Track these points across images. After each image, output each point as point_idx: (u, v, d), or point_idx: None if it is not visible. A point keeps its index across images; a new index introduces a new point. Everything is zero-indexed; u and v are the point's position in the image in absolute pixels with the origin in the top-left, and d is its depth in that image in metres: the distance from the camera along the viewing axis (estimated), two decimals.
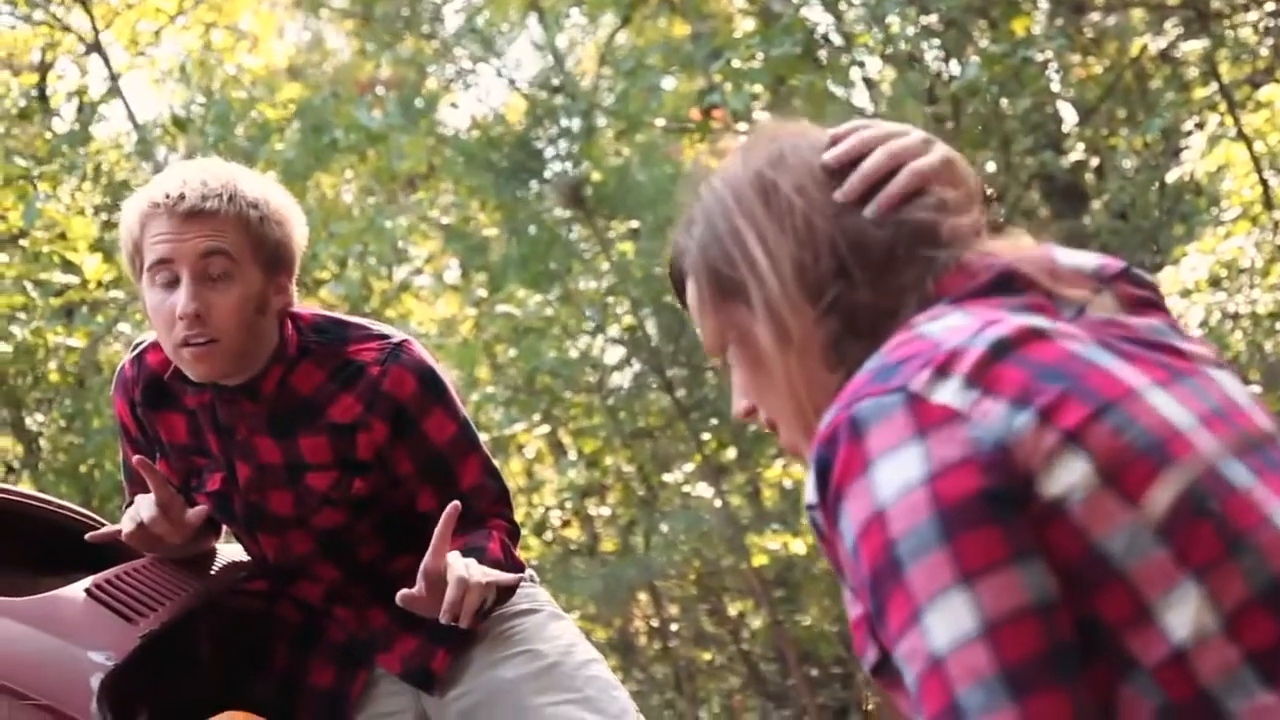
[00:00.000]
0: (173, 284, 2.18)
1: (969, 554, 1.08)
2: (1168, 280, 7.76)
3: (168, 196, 2.16)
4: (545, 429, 12.24)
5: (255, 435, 2.30)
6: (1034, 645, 1.06)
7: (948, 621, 1.07)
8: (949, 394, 1.13)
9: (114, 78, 10.06)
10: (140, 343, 2.40)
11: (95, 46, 9.79)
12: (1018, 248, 1.30)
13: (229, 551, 2.54)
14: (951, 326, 1.20)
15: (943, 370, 1.15)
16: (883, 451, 1.12)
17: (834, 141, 1.35)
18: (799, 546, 10.85)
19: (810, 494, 1.18)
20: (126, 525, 2.31)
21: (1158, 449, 1.13)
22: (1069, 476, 1.11)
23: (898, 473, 1.11)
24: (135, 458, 2.27)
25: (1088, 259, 1.33)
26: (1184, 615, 1.09)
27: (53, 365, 8.16)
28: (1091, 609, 1.10)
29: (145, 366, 2.37)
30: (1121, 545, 1.10)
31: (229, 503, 2.36)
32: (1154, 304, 1.32)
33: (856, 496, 1.13)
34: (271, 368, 2.27)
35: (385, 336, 2.31)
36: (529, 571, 2.49)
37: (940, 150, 1.36)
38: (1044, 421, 1.12)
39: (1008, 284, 1.25)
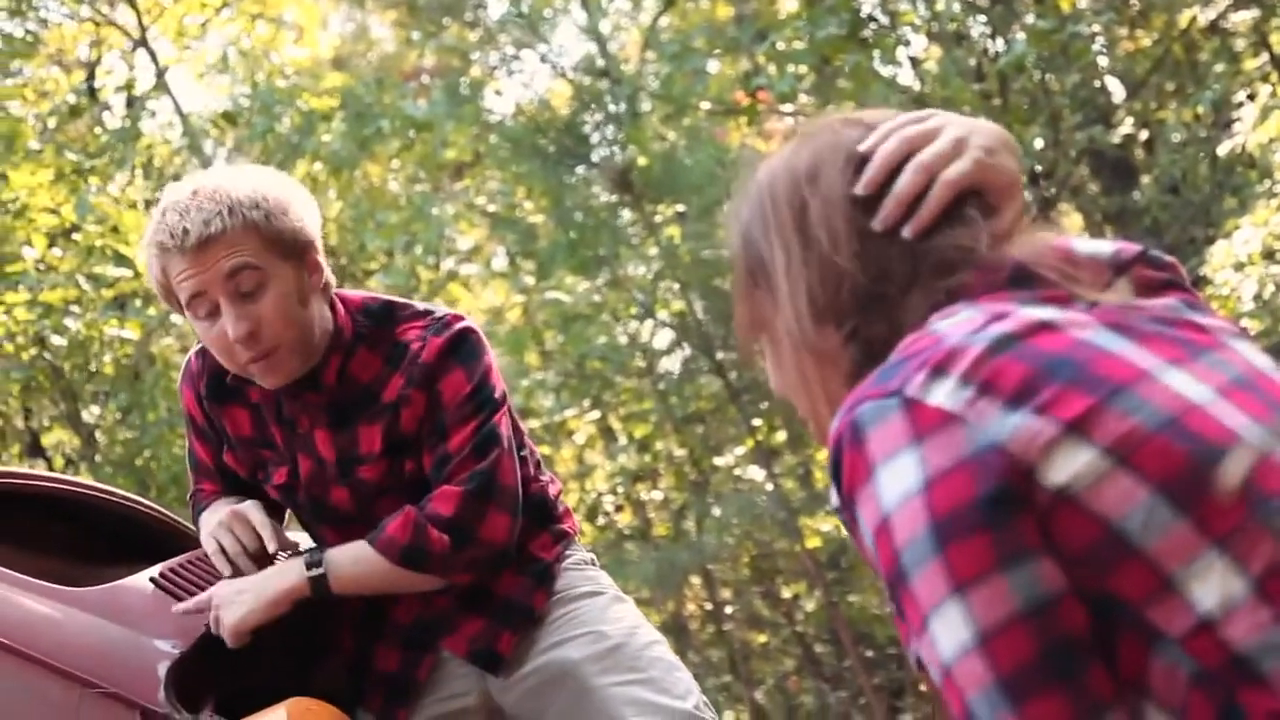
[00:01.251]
0: (214, 312, 2.20)
1: (959, 565, 1.12)
2: (1220, 254, 7.68)
3: (173, 237, 2.16)
4: (595, 415, 12.25)
5: (316, 429, 2.32)
6: (1025, 651, 1.10)
7: (949, 632, 1.13)
8: (943, 395, 1.15)
9: (161, 72, 10.13)
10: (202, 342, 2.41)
11: (142, 41, 9.86)
12: (1034, 242, 1.32)
13: (291, 538, 2.56)
14: (959, 321, 1.22)
15: (939, 369, 1.17)
16: (883, 458, 1.16)
17: (864, 159, 1.35)
18: None
19: (833, 495, 1.22)
20: (222, 565, 2.33)
21: (1172, 424, 1.13)
22: (1072, 464, 1.12)
23: (897, 481, 1.15)
24: None
25: (1104, 246, 1.35)
26: (1209, 585, 1.10)
27: (107, 358, 8.24)
28: (1108, 588, 1.12)
29: (209, 361, 2.39)
30: (1139, 522, 1.11)
31: (295, 495, 2.38)
32: (1173, 284, 1.32)
33: (865, 502, 1.17)
34: (331, 356, 2.28)
35: (430, 313, 2.32)
36: (588, 555, 2.49)
37: (973, 148, 1.36)
38: (1041, 416, 1.13)
39: (1023, 279, 1.27)
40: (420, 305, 2.35)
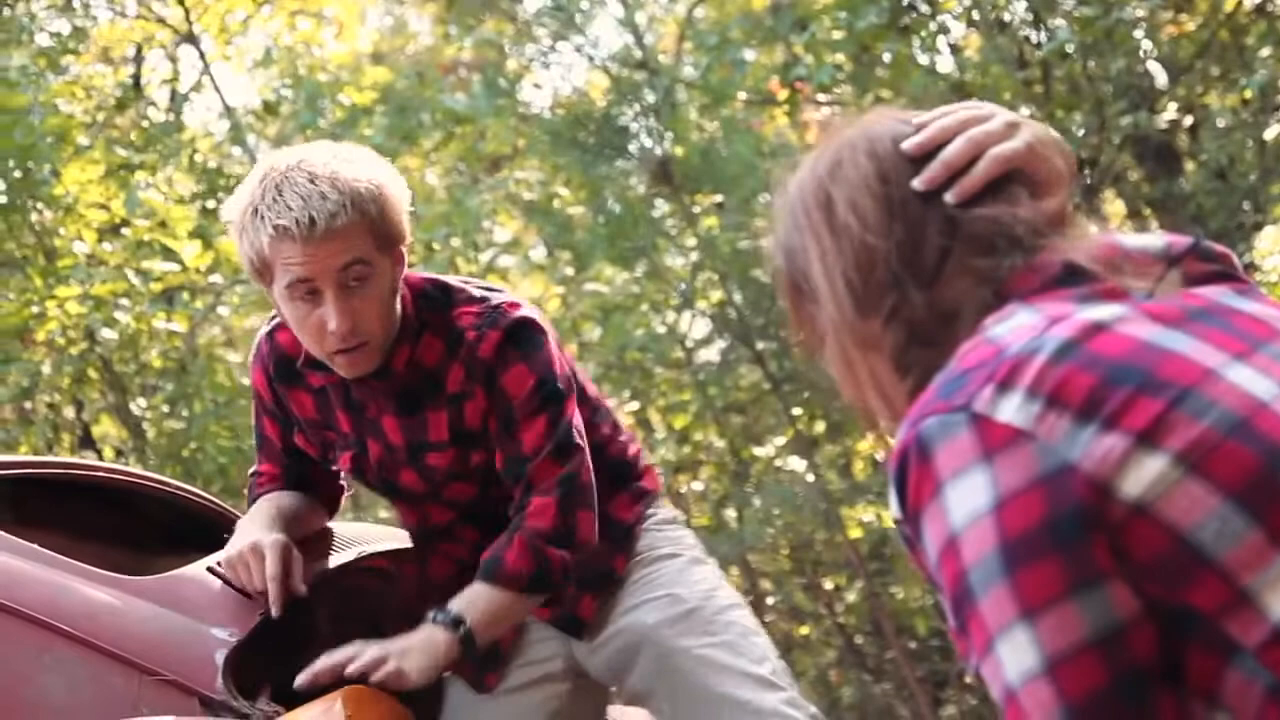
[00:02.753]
0: (313, 295, 2.19)
1: (1029, 590, 1.11)
2: (1269, 240, 7.61)
3: (298, 225, 2.13)
4: (634, 406, 12.26)
5: (384, 415, 2.33)
6: (1093, 680, 1.10)
7: (1015, 656, 1.12)
8: (1012, 411, 1.14)
9: (206, 67, 10.20)
10: (273, 316, 2.41)
11: (188, 37, 9.92)
12: (1084, 237, 1.31)
13: (345, 530, 2.58)
14: (1018, 326, 1.20)
15: (1006, 384, 1.15)
16: (952, 475, 1.15)
17: (917, 129, 1.35)
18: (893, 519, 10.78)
19: (894, 509, 1.21)
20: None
21: (1241, 428, 1.12)
22: (1145, 475, 1.11)
23: (966, 499, 1.14)
24: None
25: (1155, 240, 1.34)
26: None
27: (155, 351, 8.31)
28: (1182, 599, 1.11)
29: (276, 344, 2.41)
30: (1212, 533, 1.10)
31: (364, 476, 2.40)
32: (1226, 275, 1.31)
33: (932, 519, 1.16)
34: (401, 345, 2.28)
35: (485, 299, 2.30)
36: (671, 514, 2.48)
37: (1025, 134, 1.35)
38: (1111, 429, 1.12)
39: (1075, 274, 1.25)
40: (474, 288, 2.34)
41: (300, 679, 2.18)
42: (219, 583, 2.34)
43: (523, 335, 2.27)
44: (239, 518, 2.73)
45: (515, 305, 2.31)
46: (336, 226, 2.14)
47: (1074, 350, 1.16)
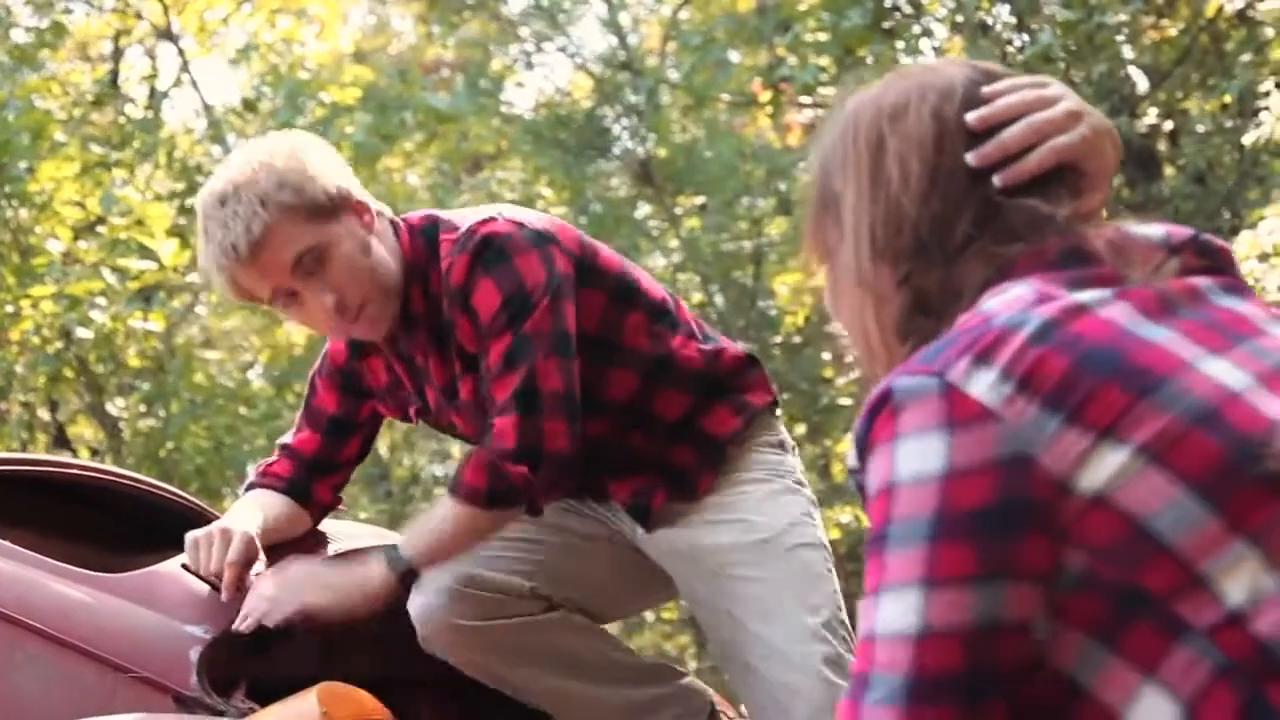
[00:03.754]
0: (293, 296, 2.23)
1: (941, 563, 1.14)
2: (1245, 244, 7.64)
3: (225, 255, 2.17)
4: None
5: (430, 359, 2.32)
6: (949, 665, 1.13)
7: (896, 611, 1.15)
8: (983, 388, 1.15)
9: (185, 64, 10.17)
10: None
11: (166, 33, 9.89)
12: (1098, 226, 1.31)
13: (325, 527, 2.57)
14: (1009, 299, 1.21)
15: (983, 358, 1.16)
16: (911, 431, 1.16)
17: (986, 99, 1.33)
18: None
19: (851, 457, 1.23)
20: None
21: (1209, 418, 1.13)
22: (1106, 468, 1.12)
23: (918, 457, 1.16)
24: None
25: (1156, 229, 1.34)
26: (1239, 579, 1.10)
27: (132, 350, 8.28)
28: (1134, 580, 1.12)
29: None
30: (1169, 521, 1.11)
31: (439, 423, 2.42)
32: (1220, 269, 1.31)
33: (878, 460, 1.18)
34: (411, 287, 2.28)
35: (464, 226, 2.26)
36: (779, 436, 2.40)
37: (1084, 126, 1.35)
38: (1075, 423, 1.13)
39: (1074, 256, 1.26)
40: (460, 217, 2.29)
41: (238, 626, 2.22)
42: (194, 580, 2.32)
43: (489, 253, 2.22)
44: (216, 516, 2.72)
45: (487, 222, 2.24)
46: (258, 238, 2.15)
47: (1054, 331, 1.17)
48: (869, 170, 1.32)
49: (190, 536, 2.32)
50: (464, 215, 2.30)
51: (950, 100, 1.32)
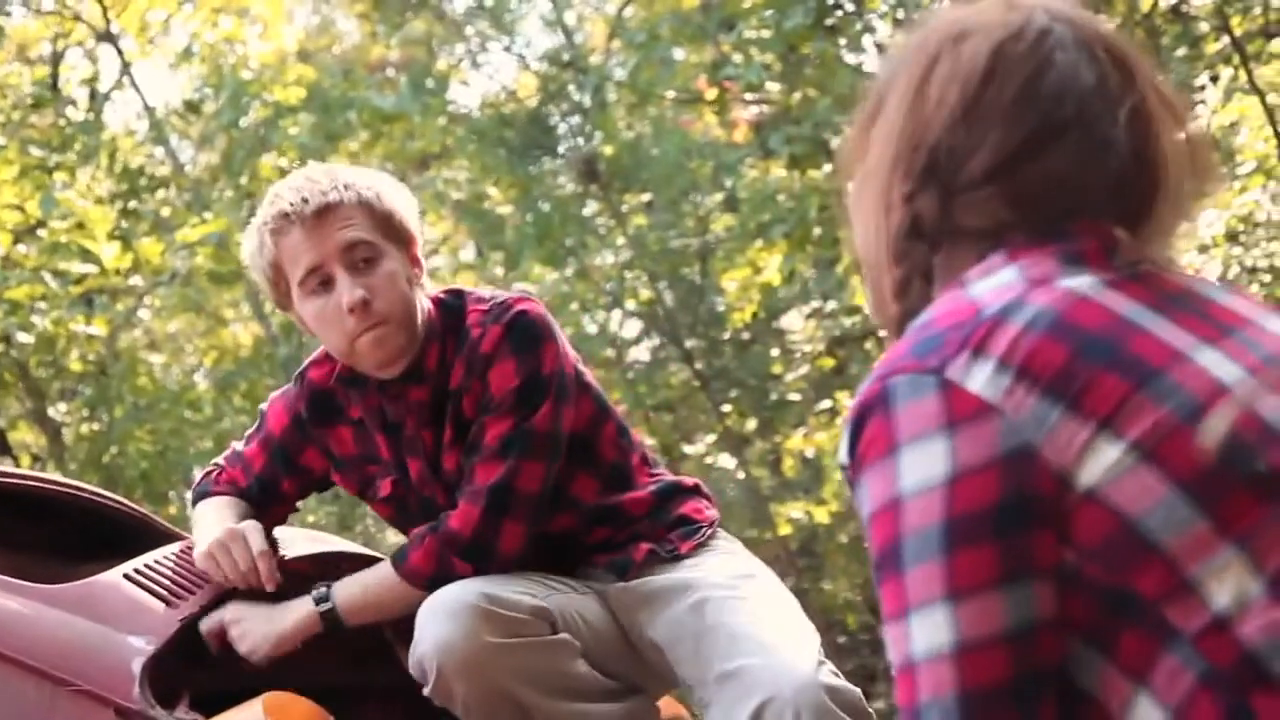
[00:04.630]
0: (326, 285, 2.24)
1: (961, 572, 1.11)
2: (1185, 236, 7.71)
3: (293, 205, 2.22)
4: None
5: (423, 429, 2.32)
6: (997, 674, 1.11)
7: (928, 632, 1.12)
8: (982, 382, 1.13)
9: (126, 65, 10.08)
10: (300, 368, 2.45)
11: (106, 35, 9.80)
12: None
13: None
14: (997, 287, 1.19)
15: (979, 350, 1.14)
16: (910, 438, 1.14)
17: (1050, 49, 1.28)
18: (823, 515, 10.86)
19: (842, 453, 1.19)
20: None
21: (1201, 415, 1.12)
22: (1102, 463, 1.10)
23: (921, 466, 1.13)
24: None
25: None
26: (1225, 583, 1.09)
27: (74, 355, 8.20)
28: (1125, 583, 1.11)
29: (309, 383, 2.41)
30: (1160, 520, 1.10)
31: (406, 505, 2.38)
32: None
33: (879, 475, 1.15)
34: (430, 345, 2.30)
35: (494, 298, 2.32)
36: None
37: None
38: (1076, 412, 1.11)
39: (1065, 232, 1.24)
40: (487, 292, 2.36)
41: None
42: (136, 590, 2.30)
43: (519, 329, 2.26)
44: (160, 524, 2.70)
45: (522, 300, 2.31)
46: (330, 202, 2.22)
47: (1049, 319, 1.15)
48: (916, 84, 1.29)
49: (202, 554, 2.33)
50: (494, 291, 2.38)
51: (1017, 41, 1.27)
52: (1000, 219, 1.24)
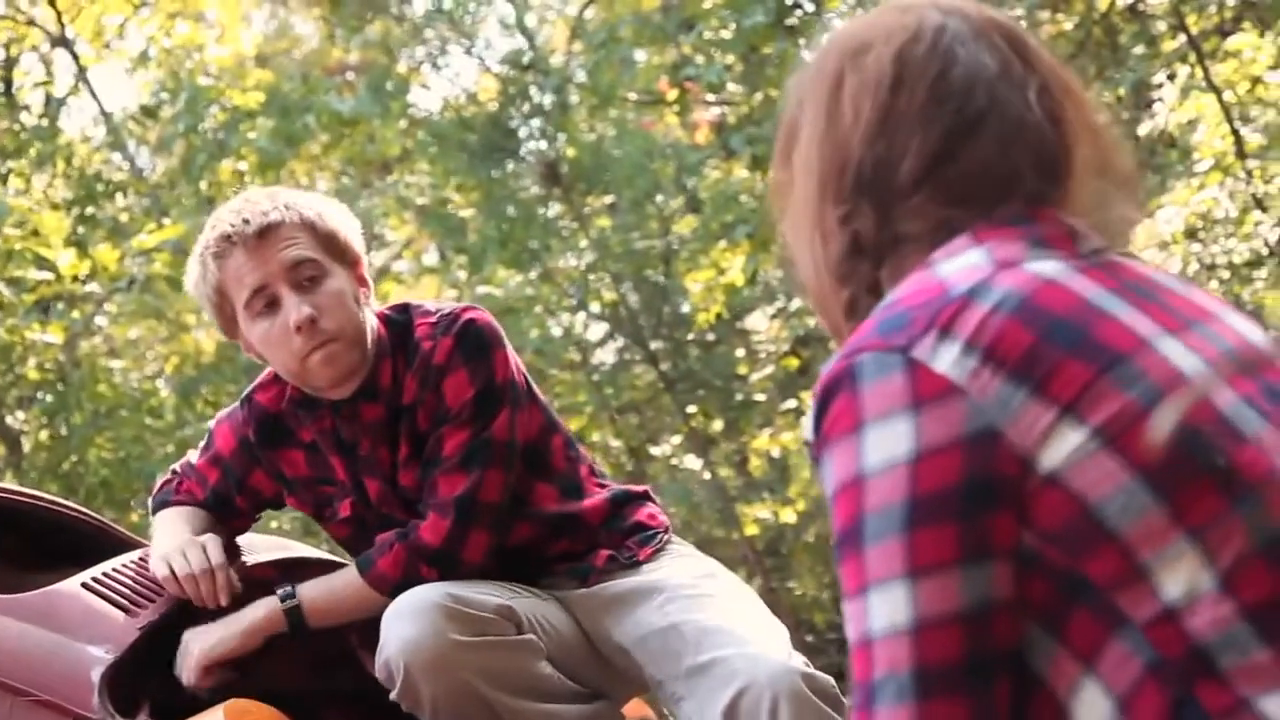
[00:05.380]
0: (272, 306, 2.23)
1: (922, 550, 1.11)
2: (1144, 234, 7.77)
3: (234, 227, 2.21)
4: None
5: (379, 447, 2.32)
6: (952, 653, 1.11)
7: (886, 609, 1.12)
8: (949, 362, 1.13)
9: (81, 70, 10.00)
10: (246, 390, 2.44)
11: (61, 40, 9.72)
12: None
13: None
14: (964, 268, 1.19)
15: (947, 330, 1.14)
16: (876, 416, 1.13)
17: (949, 46, 1.28)
18: (789, 515, 10.88)
19: (807, 430, 1.20)
20: (172, 588, 2.32)
21: (1164, 404, 1.12)
22: (1064, 447, 1.11)
23: (886, 444, 1.13)
24: None
25: None
26: (1177, 575, 1.09)
27: (30, 363, 8.14)
28: (1079, 568, 1.11)
29: (257, 407, 2.39)
30: (1118, 506, 1.10)
31: (365, 524, 2.37)
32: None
33: (843, 452, 1.15)
34: (381, 364, 2.29)
35: (440, 310, 2.33)
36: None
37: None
38: (1041, 395, 1.11)
39: (1027, 218, 1.24)
40: (434, 304, 2.37)
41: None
42: (94, 599, 2.29)
43: (469, 339, 2.27)
44: (119, 532, 2.68)
45: (469, 309, 2.32)
46: (271, 222, 2.21)
47: (1017, 302, 1.15)
48: (826, 105, 1.29)
49: (158, 564, 2.31)
50: (438, 303, 2.37)
51: (916, 44, 1.28)
52: (939, 218, 1.24)
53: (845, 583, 1.15)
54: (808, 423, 1.19)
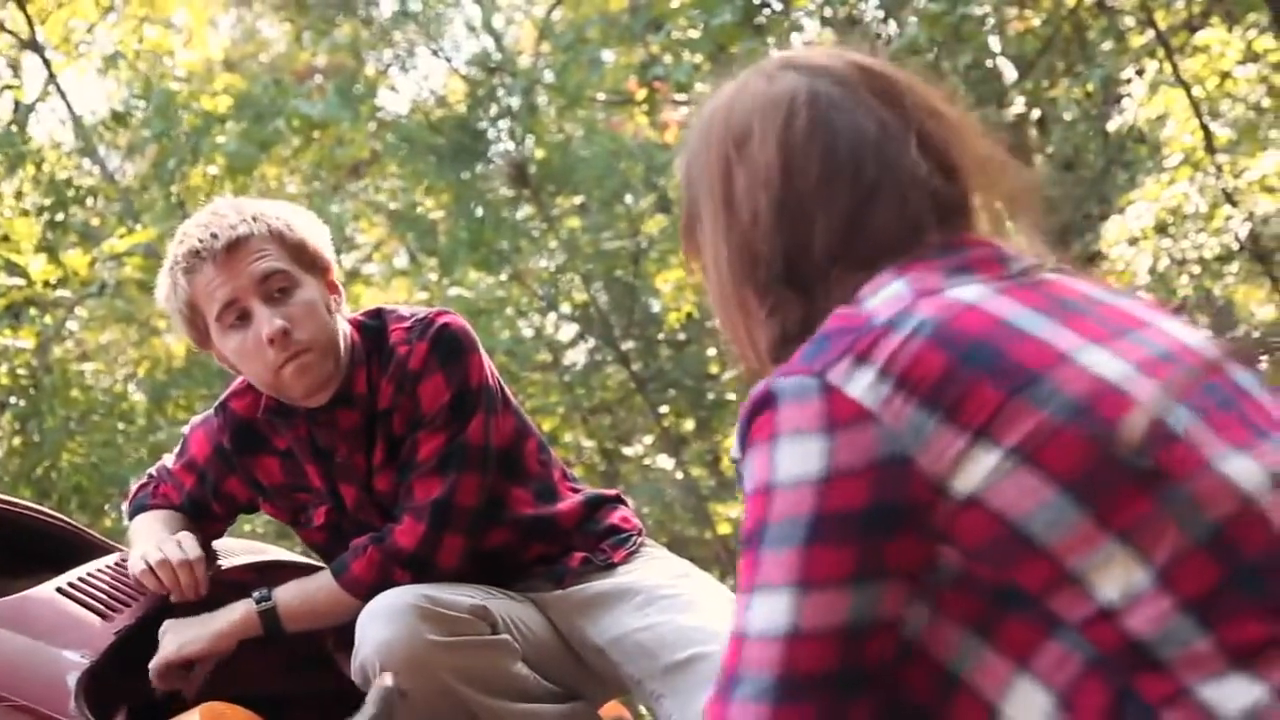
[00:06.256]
0: (244, 319, 2.21)
1: (816, 565, 1.14)
2: (1115, 229, 7.82)
3: (203, 242, 2.20)
4: None
5: (355, 454, 2.31)
6: (821, 665, 1.14)
7: (767, 612, 1.15)
8: (863, 388, 1.15)
9: (51, 75, 9.95)
10: (221, 397, 2.43)
11: (31, 44, 9.67)
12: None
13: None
14: (888, 298, 1.21)
15: (862, 358, 1.16)
16: (791, 431, 1.16)
17: (825, 110, 1.29)
18: None
19: (735, 449, 1.22)
20: (150, 582, 2.31)
21: (1082, 414, 1.13)
22: (979, 470, 1.12)
23: (797, 459, 1.15)
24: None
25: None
26: (1110, 576, 1.10)
27: (2, 368, 8.09)
28: (1009, 579, 1.12)
29: (231, 414, 2.38)
30: (1042, 522, 1.11)
31: (341, 531, 2.36)
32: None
33: (758, 459, 1.18)
34: (356, 371, 2.29)
35: (414, 314, 2.32)
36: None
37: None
38: (952, 422, 1.13)
39: (949, 248, 1.25)
40: (407, 309, 2.36)
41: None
42: (70, 604, 2.27)
43: (446, 345, 2.27)
44: (93, 537, 2.67)
45: (443, 314, 2.32)
46: (239, 235, 2.20)
47: (931, 328, 1.16)
48: (721, 201, 1.31)
49: (136, 562, 2.30)
50: (412, 308, 2.37)
51: (793, 122, 1.29)
52: (856, 283, 1.25)
53: (740, 577, 1.18)
54: (735, 443, 1.22)
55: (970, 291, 1.20)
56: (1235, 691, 1.07)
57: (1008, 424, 1.12)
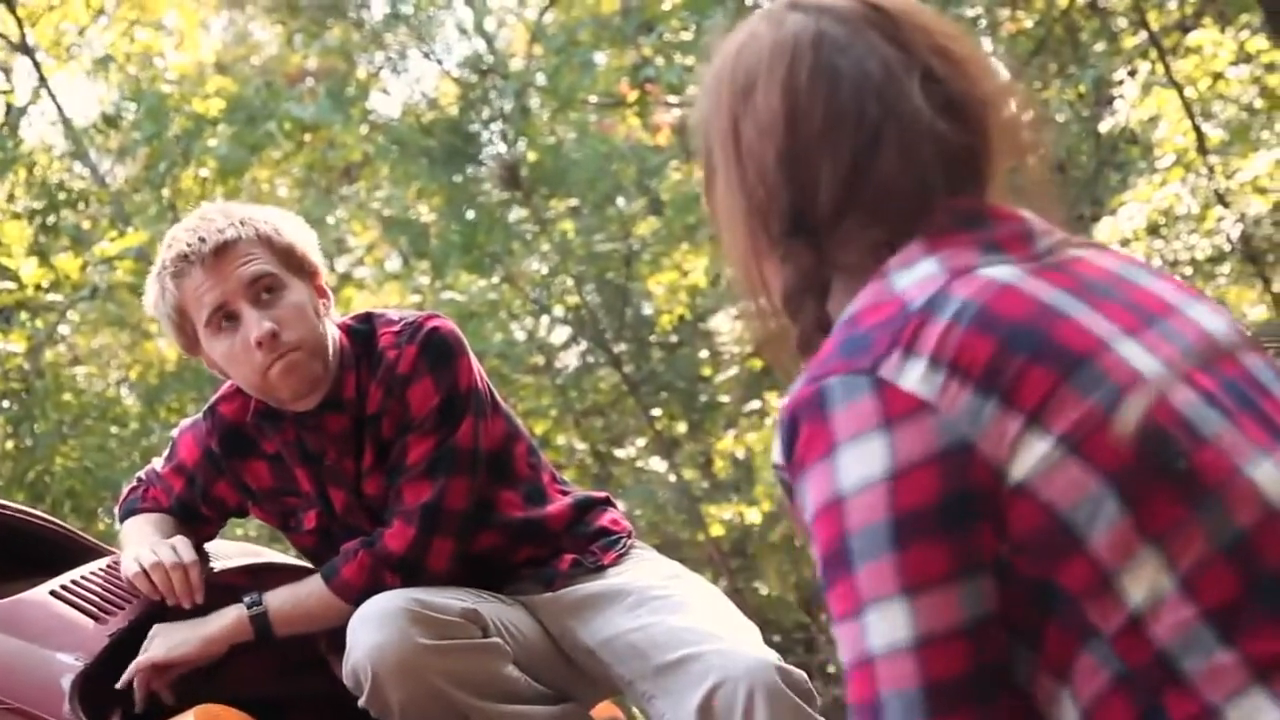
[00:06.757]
0: (233, 322, 2.22)
1: (915, 566, 1.10)
2: (1106, 230, 7.83)
3: (191, 246, 2.21)
4: None
5: (344, 458, 2.31)
6: (958, 667, 1.10)
7: (885, 626, 1.11)
8: (916, 379, 1.12)
9: (42, 78, 9.93)
10: (210, 401, 2.43)
11: (22, 47, 9.65)
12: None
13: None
14: (920, 279, 1.18)
15: (910, 349, 1.13)
16: (849, 437, 1.12)
17: (832, 52, 1.25)
18: (754, 515, 10.91)
19: (777, 454, 1.18)
20: (144, 586, 2.30)
21: (1125, 409, 1.11)
22: (1031, 457, 1.10)
23: (861, 463, 1.12)
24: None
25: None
26: (1140, 581, 1.09)
27: None
28: (1052, 577, 1.11)
29: (220, 418, 2.38)
30: (1085, 514, 1.09)
31: (330, 535, 2.36)
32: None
33: (819, 475, 1.13)
34: (345, 375, 2.29)
35: (403, 319, 2.32)
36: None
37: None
38: (1010, 406, 1.11)
39: (974, 218, 1.22)
40: (396, 313, 2.36)
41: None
42: (63, 606, 2.27)
43: (435, 348, 2.27)
44: (86, 540, 2.66)
45: (432, 317, 2.32)
46: (227, 239, 2.21)
47: (974, 312, 1.14)
48: (732, 158, 1.28)
49: (130, 566, 2.30)
50: (401, 312, 2.37)
51: (798, 68, 1.25)
52: (870, 242, 1.23)
53: (836, 606, 1.13)
54: (777, 447, 1.18)
55: (1004, 271, 1.17)
56: (1261, 714, 1.05)
57: (1058, 410, 1.11)
